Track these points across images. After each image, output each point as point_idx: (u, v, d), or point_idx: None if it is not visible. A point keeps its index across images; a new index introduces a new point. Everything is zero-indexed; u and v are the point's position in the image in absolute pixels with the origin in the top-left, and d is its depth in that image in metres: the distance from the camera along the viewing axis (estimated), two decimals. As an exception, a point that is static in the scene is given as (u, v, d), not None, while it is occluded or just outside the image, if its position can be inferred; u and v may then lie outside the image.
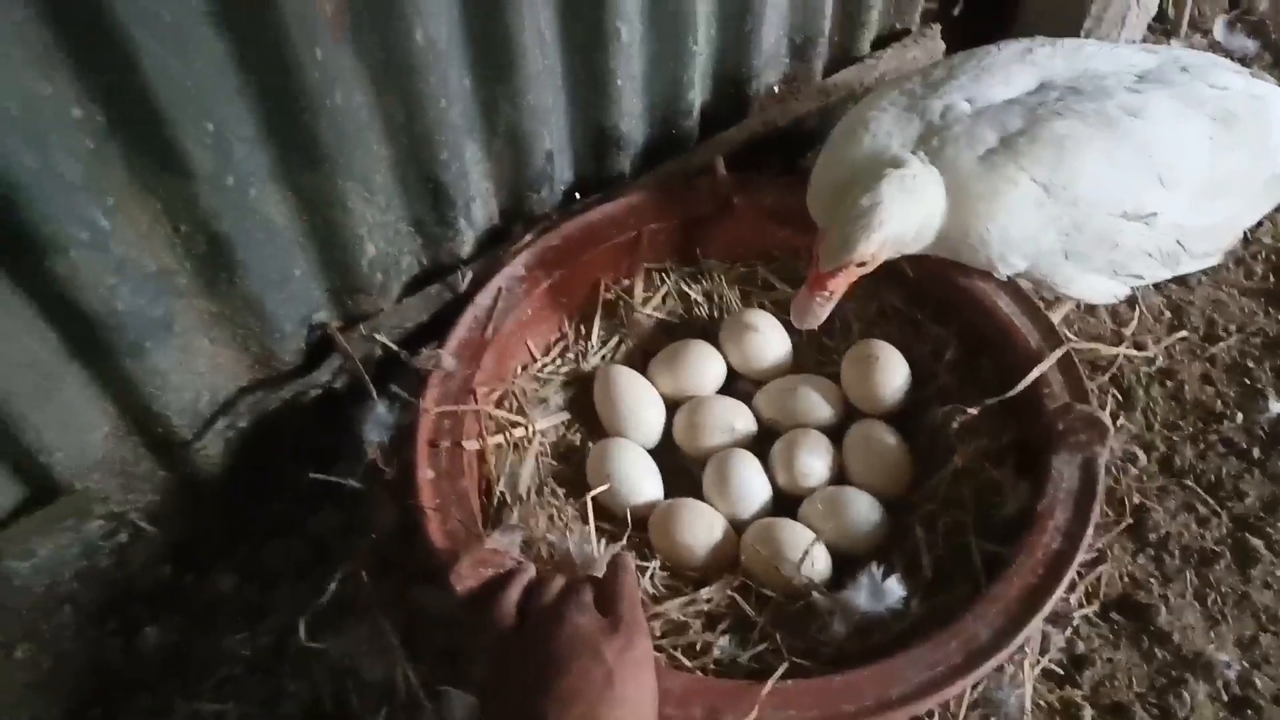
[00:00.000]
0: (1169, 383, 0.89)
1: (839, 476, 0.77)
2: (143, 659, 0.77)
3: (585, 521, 0.72)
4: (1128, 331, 0.91)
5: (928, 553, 0.70)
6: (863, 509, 0.73)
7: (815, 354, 0.84)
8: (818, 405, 0.79)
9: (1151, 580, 0.78)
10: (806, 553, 0.70)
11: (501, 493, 0.73)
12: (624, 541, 0.72)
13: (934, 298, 0.81)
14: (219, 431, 0.78)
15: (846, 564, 0.71)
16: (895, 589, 0.65)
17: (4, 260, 0.59)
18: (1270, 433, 0.86)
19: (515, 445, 0.77)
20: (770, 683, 0.59)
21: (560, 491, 0.75)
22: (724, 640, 0.66)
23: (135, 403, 0.72)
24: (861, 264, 0.71)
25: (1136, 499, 0.82)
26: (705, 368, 0.82)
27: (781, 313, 0.85)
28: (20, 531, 0.73)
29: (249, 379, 0.78)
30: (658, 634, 0.67)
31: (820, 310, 0.72)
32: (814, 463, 0.76)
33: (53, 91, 0.55)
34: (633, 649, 0.53)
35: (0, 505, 0.73)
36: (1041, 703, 0.72)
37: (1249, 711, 0.72)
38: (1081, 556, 0.64)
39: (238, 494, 0.81)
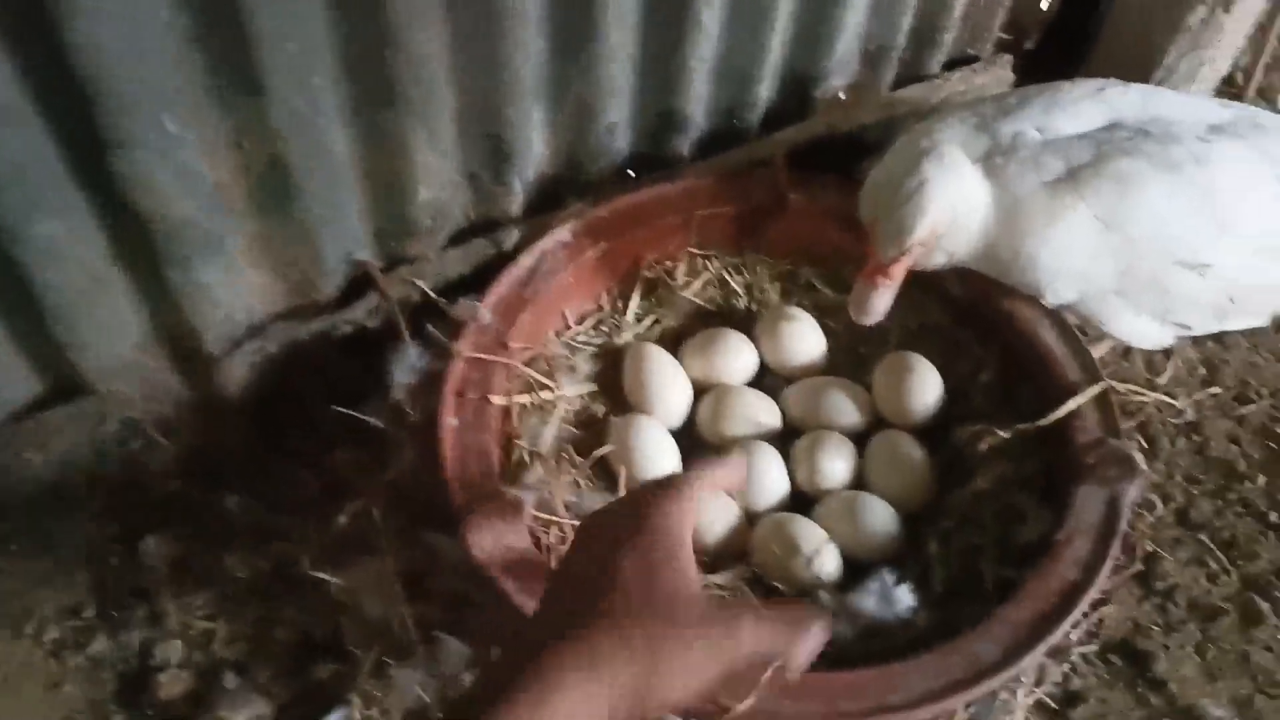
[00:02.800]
0: (1195, 437, 0.89)
1: (858, 482, 0.77)
2: (141, 567, 0.77)
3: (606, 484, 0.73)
4: (1161, 380, 0.90)
5: (940, 567, 0.70)
6: (879, 516, 0.73)
7: (849, 359, 0.84)
8: (846, 409, 0.79)
9: (1154, 628, 0.78)
10: (818, 551, 0.70)
11: (522, 450, 0.73)
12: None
13: (977, 318, 0.81)
14: (247, 354, 0.78)
15: (858, 569, 0.71)
16: (905, 597, 0.65)
17: (74, 149, 0.59)
18: (1290, 500, 0.86)
19: (540, 407, 0.77)
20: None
21: (579, 459, 0.75)
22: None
23: (172, 314, 0.72)
24: (920, 247, 0.70)
25: (1149, 546, 0.82)
26: (737, 357, 0.82)
27: (821, 314, 0.85)
28: (38, 425, 0.73)
29: (285, 306, 0.78)
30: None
31: (881, 302, 0.71)
32: (835, 465, 0.76)
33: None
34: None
35: (22, 396, 0.73)
36: (1032, 735, 0.72)
37: (1237, 772, 0.72)
38: (1095, 591, 0.63)
39: (259, 419, 0.81)
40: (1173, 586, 0.80)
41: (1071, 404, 0.72)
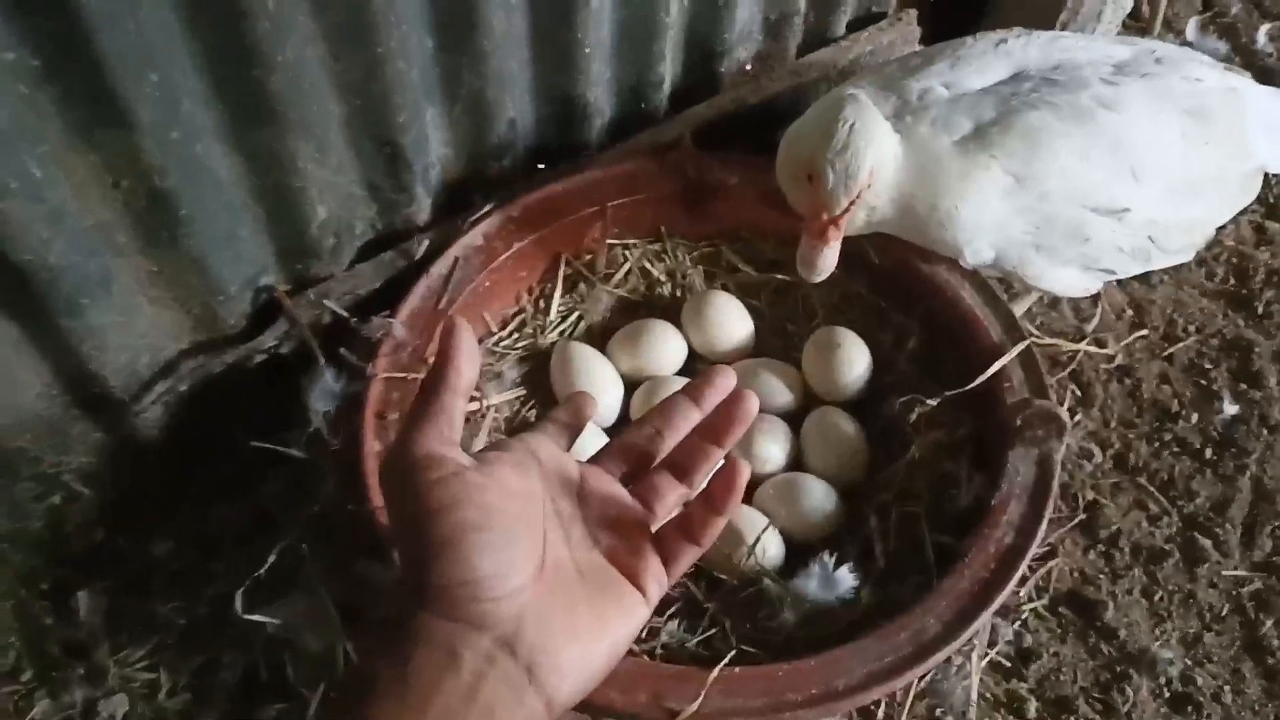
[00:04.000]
0: (1127, 380, 0.90)
1: (796, 463, 0.76)
2: (75, 623, 0.75)
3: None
4: (1089, 328, 0.90)
5: (880, 542, 0.69)
6: (817, 496, 0.72)
7: (777, 339, 0.83)
8: (777, 390, 0.78)
9: (1100, 576, 0.78)
10: (759, 539, 0.69)
11: (451, 468, 0.71)
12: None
13: (898, 286, 0.80)
14: (159, 394, 0.75)
15: (801, 551, 0.70)
16: (846, 578, 0.64)
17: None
18: (1223, 434, 0.86)
19: (467, 420, 0.75)
20: (716, 670, 0.58)
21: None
22: (672, 625, 0.65)
23: (71, 362, 0.69)
24: (863, 196, 0.69)
25: (1090, 495, 0.82)
26: (665, 348, 0.81)
27: (745, 294, 0.84)
28: (-56, 491, 0.70)
29: (191, 341, 0.75)
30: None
31: (830, 257, 0.70)
32: (770, 448, 0.75)
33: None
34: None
35: (-76, 462, 0.70)
36: (988, 694, 0.72)
37: (1189, 708, 0.72)
38: (1034, 552, 0.63)
39: (178, 459, 0.78)
40: (1116, 533, 0.80)
41: (995, 367, 0.71)
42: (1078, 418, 0.86)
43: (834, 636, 0.62)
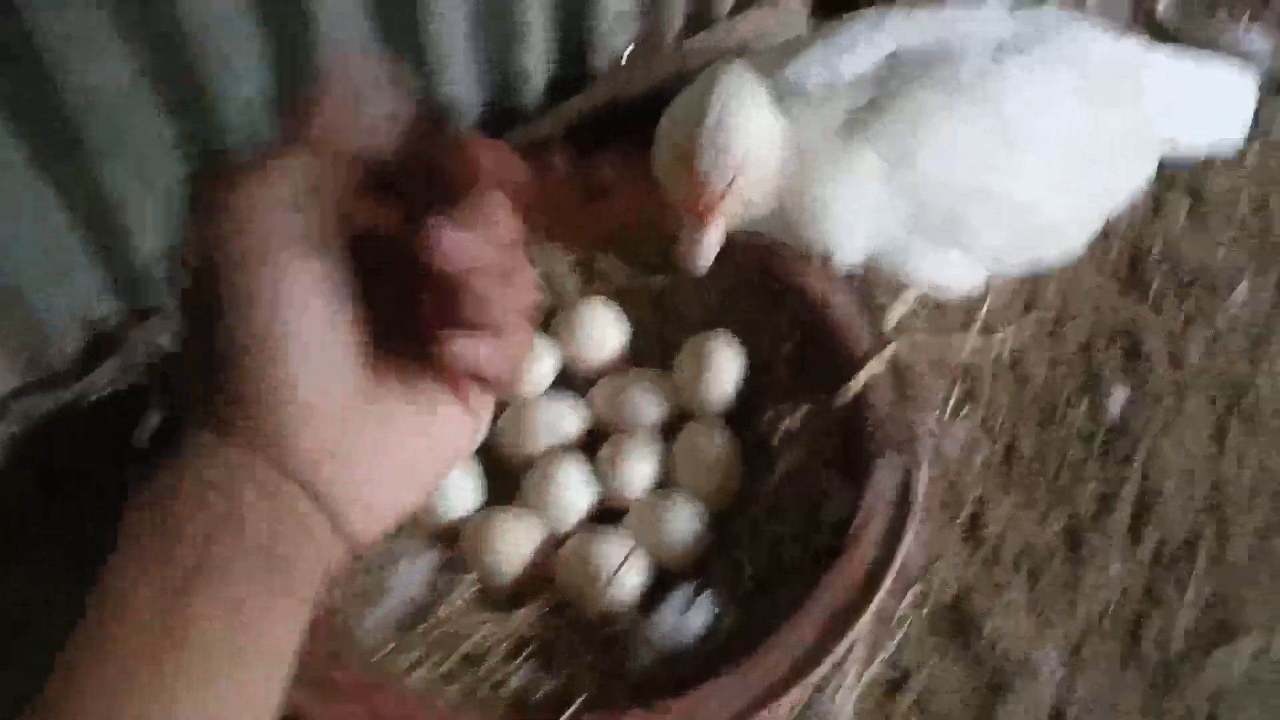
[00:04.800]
0: (1018, 369, 0.87)
1: (669, 481, 0.73)
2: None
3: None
4: (977, 319, 0.88)
5: (750, 564, 0.67)
6: (682, 519, 0.69)
7: (656, 346, 0.80)
8: (647, 405, 0.75)
9: (983, 582, 0.77)
10: (616, 570, 0.66)
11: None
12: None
13: (772, 290, 0.77)
14: (-11, 438, 0.71)
15: (670, 577, 0.68)
16: (703, 611, 0.62)
17: None
18: (1114, 421, 0.84)
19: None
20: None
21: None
22: (524, 671, 0.63)
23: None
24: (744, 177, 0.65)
25: (977, 494, 0.80)
26: (532, 365, 0.77)
27: (622, 301, 0.80)
28: None
29: (21, 380, 0.71)
30: (452, 658, 0.63)
31: (708, 246, 0.65)
32: (638, 469, 0.72)
33: None
34: None
35: None
36: (867, 715, 0.70)
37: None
38: (894, 573, 0.61)
39: (20, 507, 0.74)
40: (1002, 534, 0.79)
41: (861, 376, 0.69)
42: (965, 412, 0.84)
43: (693, 673, 0.60)
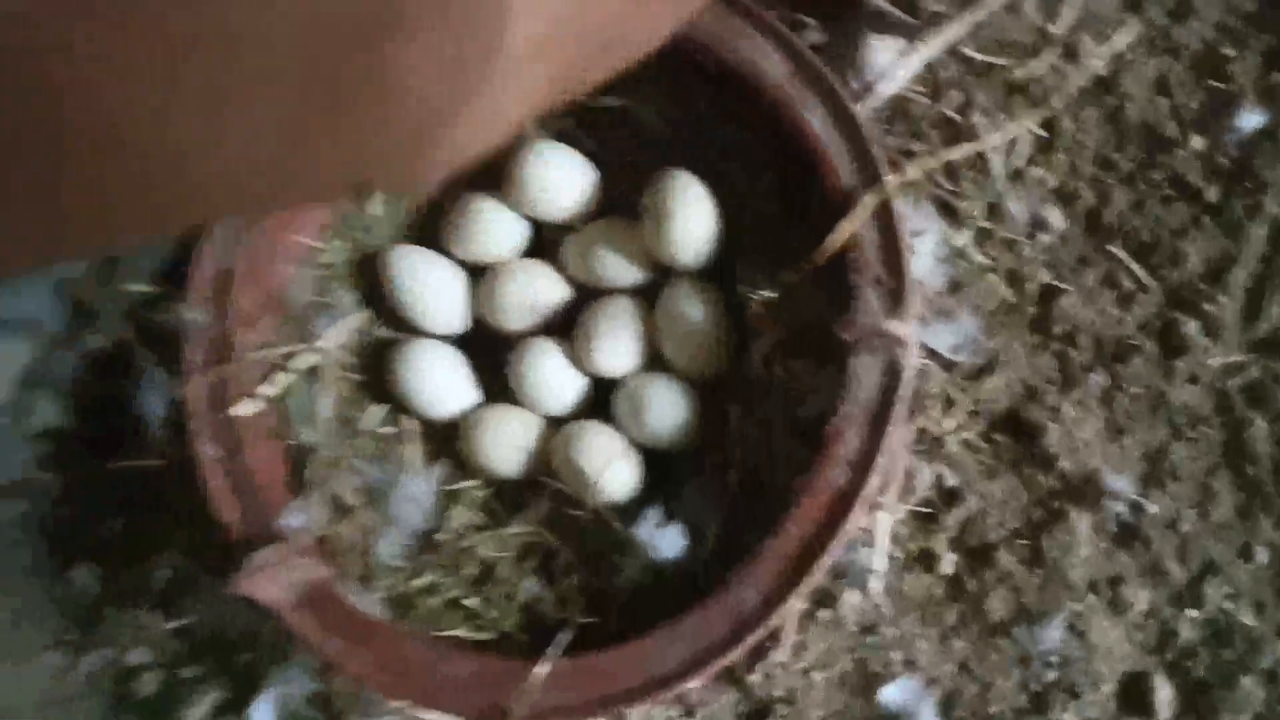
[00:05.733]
0: (1109, 99, 0.66)
1: (655, 353, 0.66)
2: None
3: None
4: (1055, 29, 0.66)
5: (738, 462, 0.61)
6: (672, 402, 0.63)
7: (626, 187, 0.68)
8: (620, 265, 0.66)
9: (1049, 387, 0.66)
10: (605, 467, 0.63)
11: (294, 445, 0.69)
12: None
13: (741, 101, 0.61)
14: None
15: (667, 465, 0.64)
16: (676, 538, 0.59)
17: None
18: (1237, 159, 0.64)
19: (312, 372, 0.71)
20: (545, 668, 0.58)
21: (375, 412, 0.70)
22: (529, 582, 0.64)
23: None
24: None
25: (1046, 278, 0.66)
26: (499, 230, 0.69)
27: (583, 131, 0.68)
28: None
29: None
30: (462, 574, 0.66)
31: None
32: (617, 345, 0.65)
33: None
34: None
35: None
36: (899, 553, 0.67)
37: (1135, 544, 0.63)
38: (872, 487, 0.54)
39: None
40: (1074, 327, 0.65)
41: (840, 231, 0.55)
42: (1038, 172, 0.67)
43: (676, 594, 0.59)
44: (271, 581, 0.63)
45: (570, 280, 0.69)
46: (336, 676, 0.69)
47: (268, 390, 0.69)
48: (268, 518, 0.65)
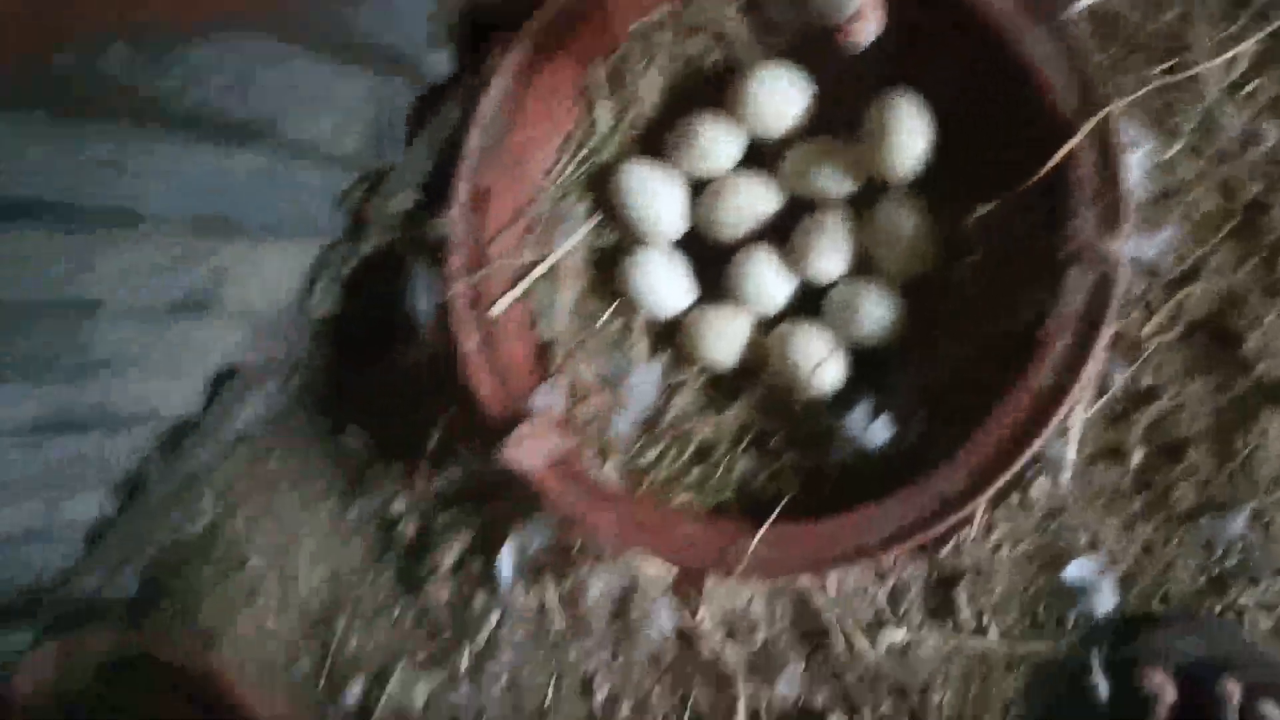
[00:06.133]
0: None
1: (865, 257, 0.72)
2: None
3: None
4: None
5: (943, 361, 0.67)
6: (880, 307, 0.70)
7: (838, 109, 0.72)
8: (836, 177, 0.72)
9: (1250, 295, 0.68)
10: (819, 364, 0.71)
11: (539, 339, 0.79)
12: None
13: (956, 29, 0.65)
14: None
15: (873, 358, 0.71)
16: (883, 428, 0.66)
17: None
18: None
19: (553, 275, 0.80)
20: (764, 529, 0.67)
21: (608, 310, 0.80)
22: (743, 460, 0.74)
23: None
24: None
25: (1256, 191, 0.68)
26: (718, 146, 0.75)
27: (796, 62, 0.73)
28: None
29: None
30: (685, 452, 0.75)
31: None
32: (830, 252, 0.72)
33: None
34: None
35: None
36: (1090, 447, 0.71)
37: (1327, 445, 0.66)
38: (1076, 391, 0.59)
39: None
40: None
41: (1051, 163, 0.59)
42: (1254, 84, 0.67)
43: (885, 476, 0.66)
44: (528, 451, 0.74)
45: (785, 191, 0.75)
46: (574, 532, 0.81)
47: (516, 292, 0.79)
48: (519, 399, 0.76)
